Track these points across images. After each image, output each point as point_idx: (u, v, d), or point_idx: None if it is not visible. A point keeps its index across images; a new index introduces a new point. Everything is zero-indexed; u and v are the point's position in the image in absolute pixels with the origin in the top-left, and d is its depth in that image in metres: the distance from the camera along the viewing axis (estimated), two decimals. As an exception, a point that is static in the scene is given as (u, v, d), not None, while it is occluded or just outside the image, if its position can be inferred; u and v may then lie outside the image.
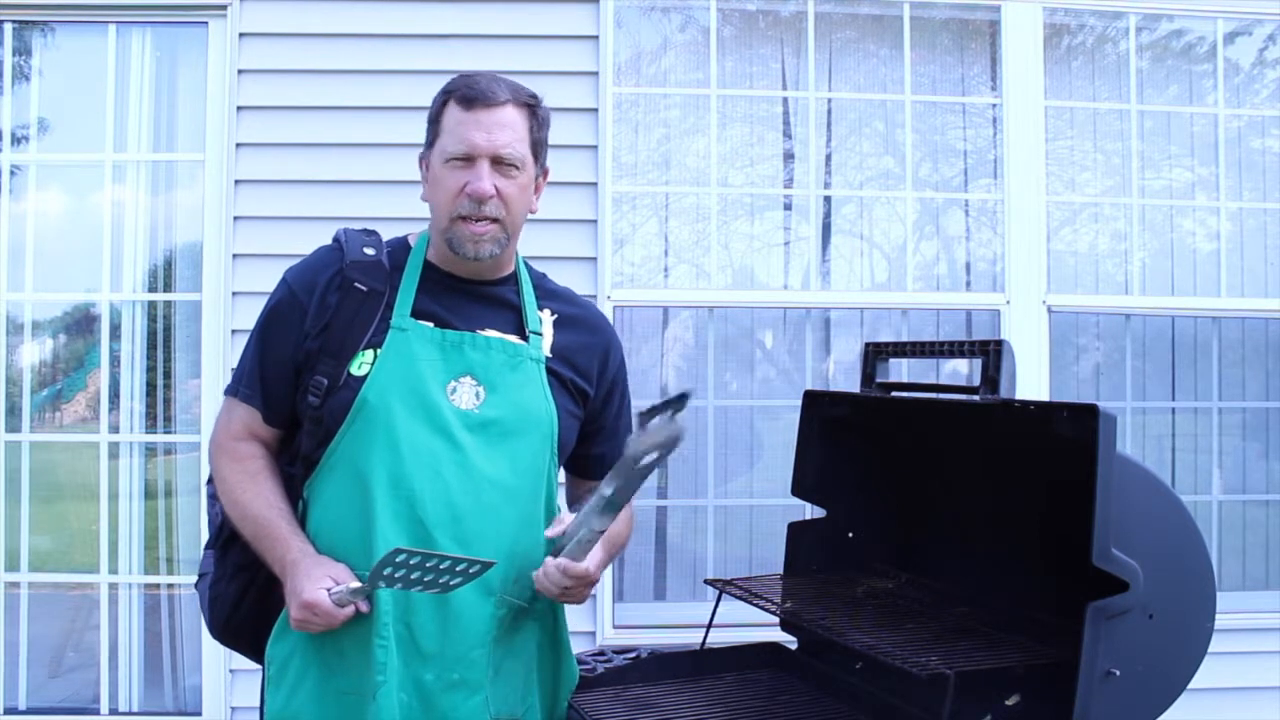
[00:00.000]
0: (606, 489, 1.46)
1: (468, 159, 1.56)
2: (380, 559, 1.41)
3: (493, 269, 1.66)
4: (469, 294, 1.65)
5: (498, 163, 1.57)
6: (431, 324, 1.60)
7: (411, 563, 1.41)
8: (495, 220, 1.58)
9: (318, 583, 1.47)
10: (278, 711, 1.58)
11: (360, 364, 1.56)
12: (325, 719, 1.55)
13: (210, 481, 1.72)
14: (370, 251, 1.62)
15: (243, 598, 1.66)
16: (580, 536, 1.51)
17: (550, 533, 1.59)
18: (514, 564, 1.60)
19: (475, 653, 1.56)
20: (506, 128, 1.57)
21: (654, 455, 1.41)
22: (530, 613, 1.65)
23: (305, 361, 1.58)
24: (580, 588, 1.55)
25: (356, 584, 1.47)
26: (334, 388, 1.55)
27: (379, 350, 1.56)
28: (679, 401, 1.39)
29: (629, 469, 1.43)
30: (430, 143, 1.63)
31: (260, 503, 1.58)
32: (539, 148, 1.64)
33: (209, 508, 1.74)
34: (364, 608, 1.49)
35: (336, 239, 1.66)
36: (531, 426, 1.62)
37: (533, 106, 1.62)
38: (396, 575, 1.42)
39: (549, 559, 1.55)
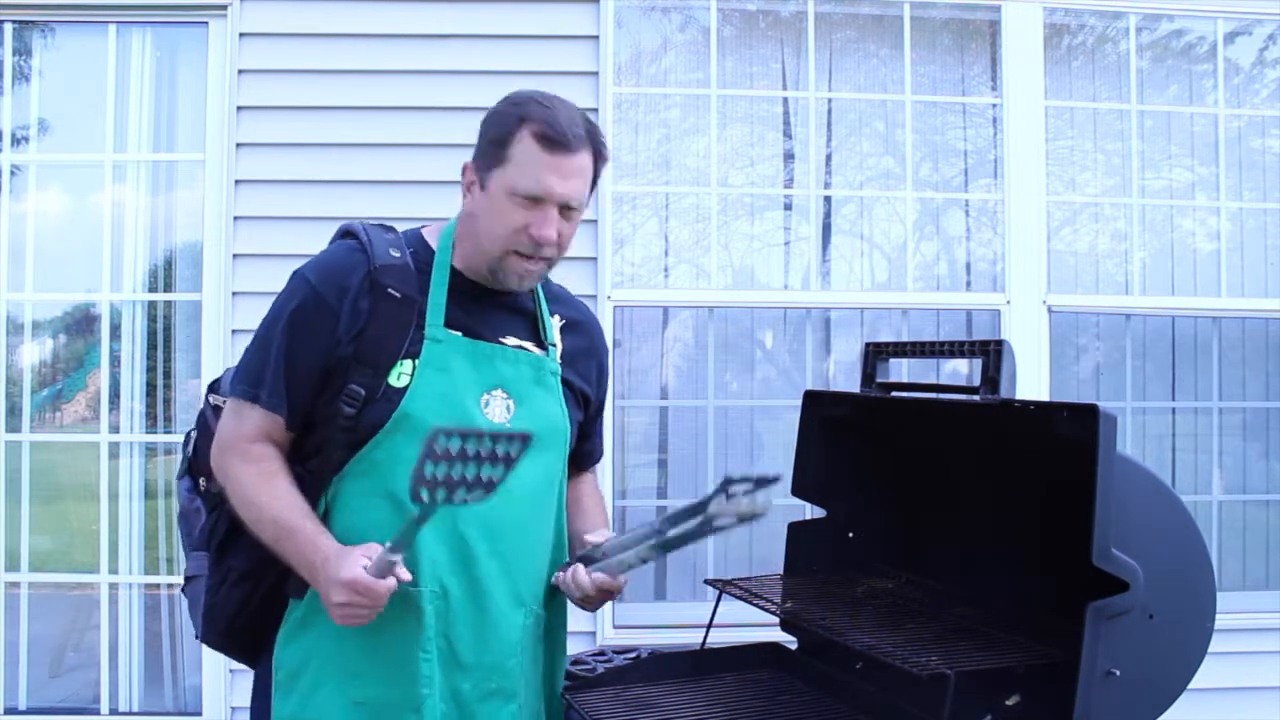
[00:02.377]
0: (668, 530, 1.48)
1: (537, 201, 1.51)
2: (421, 454, 1.32)
3: None
4: (491, 301, 1.63)
5: (564, 208, 1.53)
6: (461, 334, 1.58)
7: (452, 451, 1.32)
8: (548, 260, 1.57)
9: (355, 563, 1.42)
10: (289, 717, 1.55)
11: (399, 375, 1.52)
12: None
13: (183, 476, 1.69)
14: (396, 254, 1.57)
15: (245, 606, 1.61)
16: (625, 560, 1.54)
17: (590, 538, 1.61)
18: (539, 574, 1.63)
19: (510, 662, 1.58)
20: (581, 174, 1.53)
21: (730, 522, 1.42)
22: (543, 620, 1.66)
23: (337, 368, 1.53)
24: (601, 600, 1.59)
25: (390, 544, 1.40)
26: (372, 398, 1.51)
27: (416, 361, 1.53)
28: (770, 481, 1.40)
29: (701, 524, 1.44)
30: (489, 162, 1.54)
31: (280, 504, 1.52)
32: (595, 182, 1.61)
33: (186, 503, 1.69)
34: (403, 575, 1.42)
35: (354, 234, 1.60)
36: (553, 439, 1.63)
37: (600, 147, 1.57)
38: (438, 477, 1.33)
39: (579, 568, 1.57)
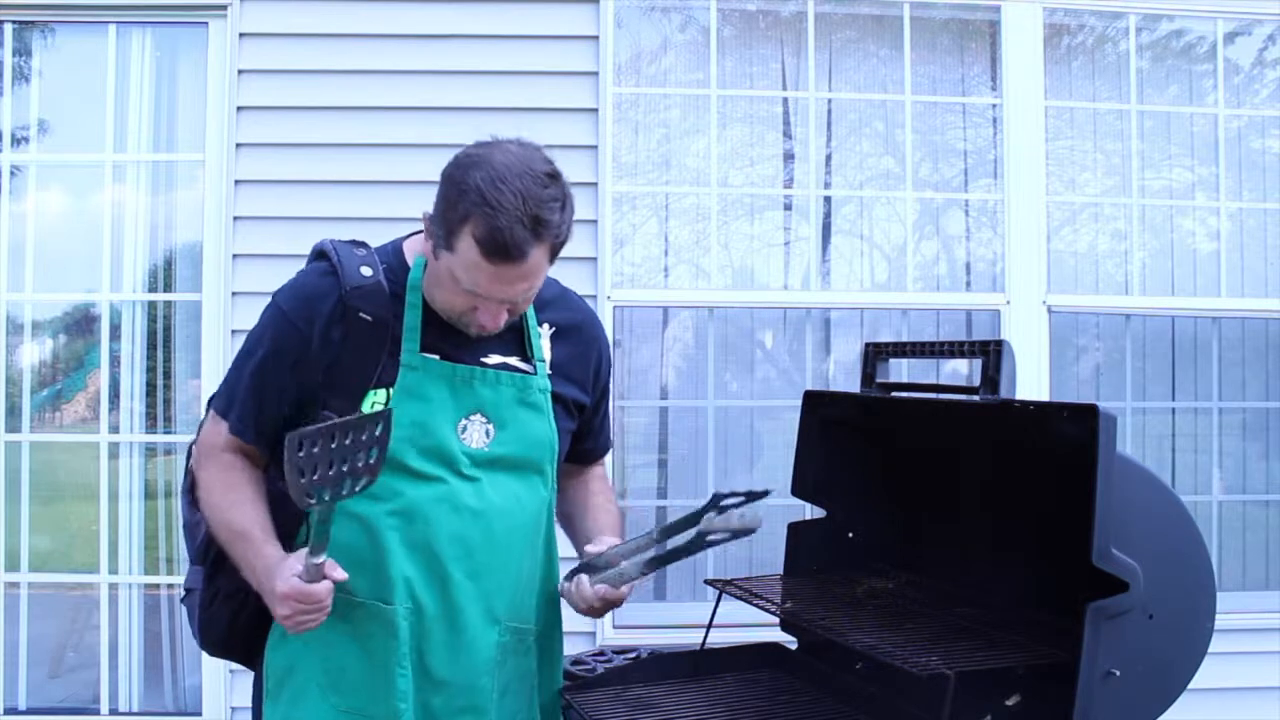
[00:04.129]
0: (665, 544, 1.52)
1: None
2: (286, 465, 1.31)
3: None
4: None
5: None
6: (438, 357, 1.56)
7: (315, 450, 1.31)
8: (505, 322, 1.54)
9: (289, 573, 1.42)
10: None
11: (373, 404, 1.52)
12: None
13: (186, 491, 1.70)
14: (368, 272, 1.55)
15: (234, 621, 1.64)
16: (626, 572, 1.55)
17: (590, 549, 1.60)
18: (518, 591, 1.62)
19: (482, 680, 1.58)
20: (529, 277, 1.45)
21: (724, 537, 1.45)
22: (531, 634, 1.66)
23: (311, 396, 1.54)
24: (605, 609, 1.59)
25: (308, 550, 1.39)
26: None
27: (390, 389, 1.53)
28: (760, 495, 1.44)
29: (695, 540, 1.47)
30: (439, 236, 1.46)
31: (236, 509, 1.54)
32: (557, 256, 1.51)
33: (188, 516, 1.70)
34: (337, 575, 1.41)
35: (325, 255, 1.58)
36: (536, 459, 1.63)
37: (559, 235, 1.45)
38: (314, 479, 1.32)
39: (583, 579, 1.57)
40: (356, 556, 1.52)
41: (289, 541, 1.55)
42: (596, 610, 1.58)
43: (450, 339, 1.57)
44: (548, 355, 1.66)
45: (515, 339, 1.63)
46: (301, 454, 1.30)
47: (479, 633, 1.57)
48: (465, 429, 1.56)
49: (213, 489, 1.59)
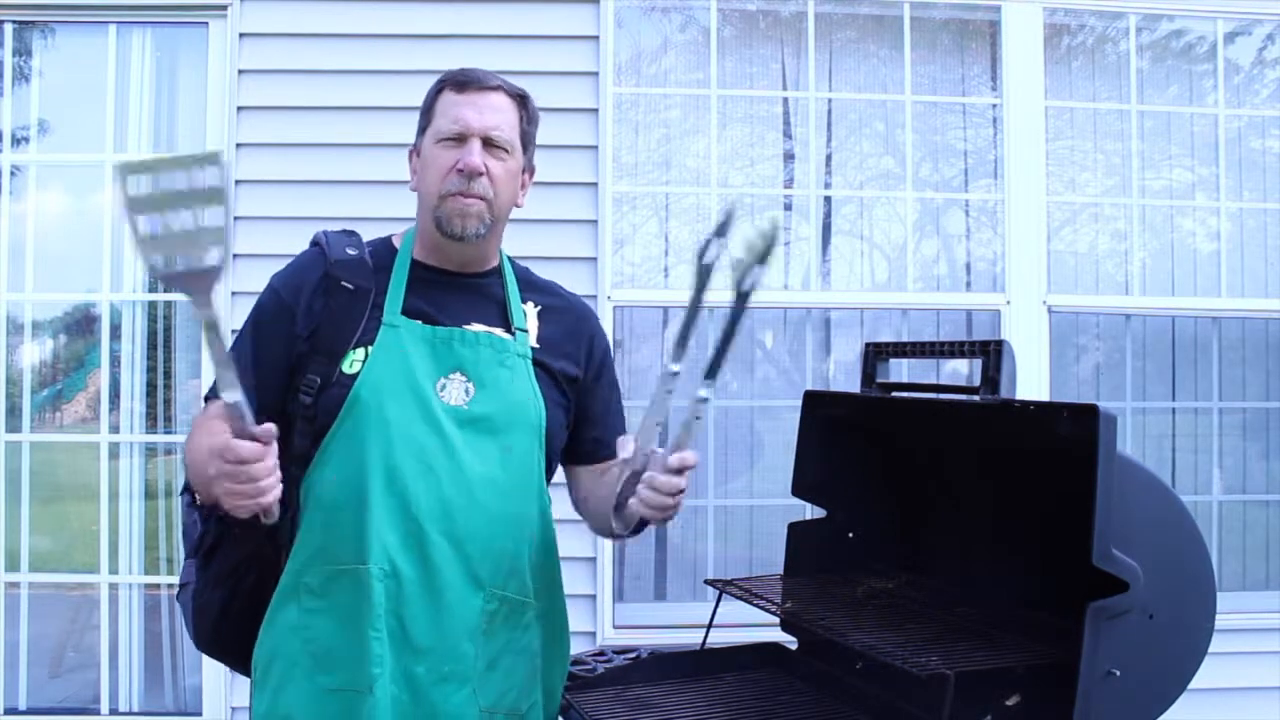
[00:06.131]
0: (677, 355, 1.38)
1: (460, 138, 1.61)
2: (124, 208, 1.23)
3: (478, 260, 1.68)
4: (455, 287, 1.66)
5: (489, 144, 1.61)
6: (420, 321, 1.61)
7: (141, 184, 1.22)
8: (483, 199, 1.61)
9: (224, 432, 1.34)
10: (264, 713, 1.56)
11: (352, 362, 1.57)
12: (313, 718, 1.54)
13: (184, 490, 1.70)
14: (352, 252, 1.65)
15: (229, 605, 1.63)
16: (685, 419, 1.37)
17: (623, 455, 1.46)
18: (505, 559, 1.60)
19: (464, 645, 1.57)
20: (498, 111, 1.63)
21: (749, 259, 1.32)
22: (530, 609, 1.64)
23: (297, 364, 1.59)
24: (679, 491, 1.43)
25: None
26: (326, 385, 1.56)
27: (370, 348, 1.58)
28: (727, 222, 1.40)
29: (699, 284, 1.37)
30: (422, 130, 1.68)
31: (209, 420, 1.48)
32: (527, 140, 1.68)
33: (185, 516, 1.71)
34: (256, 429, 1.31)
35: (316, 241, 1.68)
36: (520, 422, 1.62)
37: (523, 98, 1.68)
38: (158, 234, 1.24)
39: (658, 453, 1.42)
40: (338, 517, 1.53)
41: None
42: (669, 502, 1.42)
43: (434, 305, 1.63)
44: (533, 328, 1.70)
45: (498, 311, 1.68)
46: (129, 188, 1.22)
47: (460, 596, 1.55)
48: (444, 386, 1.59)
49: (193, 442, 1.52)
